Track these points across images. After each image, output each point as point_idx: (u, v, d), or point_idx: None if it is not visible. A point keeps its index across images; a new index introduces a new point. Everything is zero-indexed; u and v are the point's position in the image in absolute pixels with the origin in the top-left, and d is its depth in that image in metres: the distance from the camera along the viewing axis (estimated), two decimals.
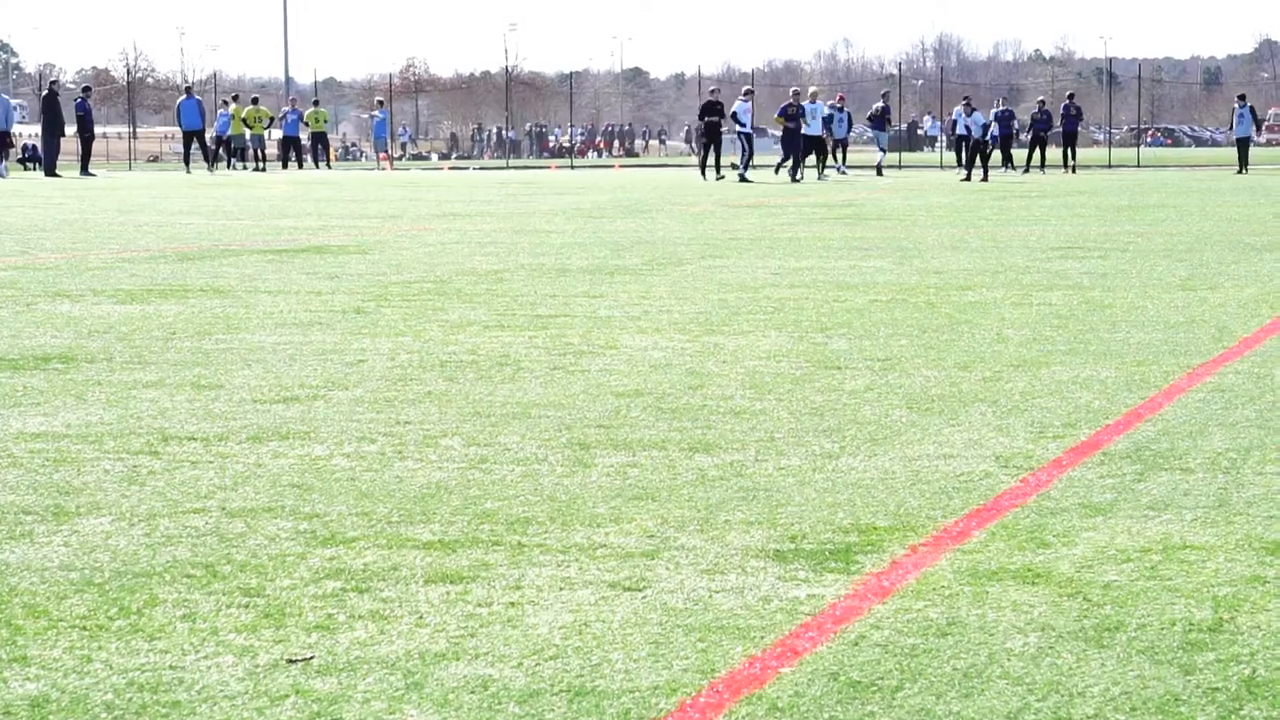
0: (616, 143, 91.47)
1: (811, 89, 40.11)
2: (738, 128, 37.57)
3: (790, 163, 37.08)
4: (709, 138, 37.94)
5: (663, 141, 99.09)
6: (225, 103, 49.53)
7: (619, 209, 23.63)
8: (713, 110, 37.57)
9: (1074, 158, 43.75)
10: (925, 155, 62.92)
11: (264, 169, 46.98)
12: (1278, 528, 4.48)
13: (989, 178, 37.17)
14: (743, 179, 35.81)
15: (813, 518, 4.61)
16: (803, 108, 37.76)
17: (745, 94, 38.32)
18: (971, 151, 38.50)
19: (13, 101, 42.59)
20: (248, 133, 48.50)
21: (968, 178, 36.98)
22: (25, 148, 53.78)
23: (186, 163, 46.38)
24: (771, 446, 5.63)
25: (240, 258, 14.24)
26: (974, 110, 40.19)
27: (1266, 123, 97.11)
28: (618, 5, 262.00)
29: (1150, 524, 4.52)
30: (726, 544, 4.32)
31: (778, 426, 6.00)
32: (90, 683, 3.26)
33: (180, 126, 47.25)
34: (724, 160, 38.44)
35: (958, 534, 4.42)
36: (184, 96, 47.44)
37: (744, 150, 37.13)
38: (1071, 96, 46.57)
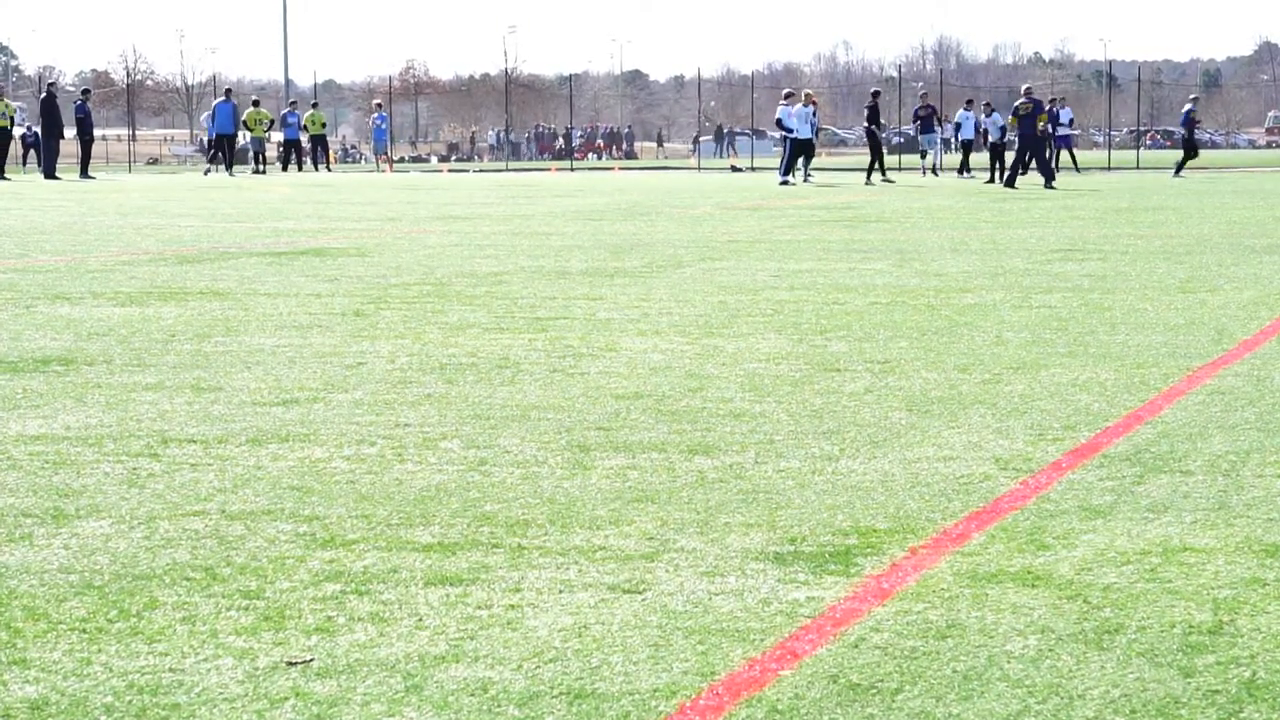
0: (615, 145, 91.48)
1: (805, 91, 39.55)
2: (780, 132, 36.78)
3: (1037, 165, 33.72)
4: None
5: (661, 144, 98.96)
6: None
7: (618, 211, 23.64)
8: (873, 114, 36.62)
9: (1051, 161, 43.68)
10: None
11: (264, 171, 46.99)
12: (1277, 530, 4.48)
13: (997, 179, 37.11)
14: (784, 183, 35.21)
15: (812, 520, 4.61)
16: (1038, 104, 34.26)
17: (786, 96, 37.39)
18: (992, 153, 38.54)
19: (13, 104, 42.62)
20: (248, 135, 48.56)
21: (991, 179, 36.74)
22: (28, 132, 53.75)
23: (227, 165, 46.54)
24: (771, 449, 5.63)
25: (240, 260, 14.24)
26: (994, 111, 40.30)
27: (1267, 125, 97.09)
28: (617, 7, 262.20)
29: (1150, 526, 4.53)
30: (726, 546, 4.32)
31: (777, 429, 6.01)
32: (90, 685, 3.26)
33: (214, 129, 47.38)
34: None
35: (957, 536, 4.42)
36: (221, 99, 47.61)
37: (784, 154, 36.43)
38: (1054, 101, 46.25)
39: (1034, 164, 32.96)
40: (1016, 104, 33.21)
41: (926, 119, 43.87)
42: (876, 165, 37.35)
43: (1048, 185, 31.74)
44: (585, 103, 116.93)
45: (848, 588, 3.92)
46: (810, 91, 39.56)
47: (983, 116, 40.87)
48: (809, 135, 36.47)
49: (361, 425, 6.11)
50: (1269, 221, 19.83)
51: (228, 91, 49.55)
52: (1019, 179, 33.89)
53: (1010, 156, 39.95)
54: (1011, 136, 35.22)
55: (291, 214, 23.10)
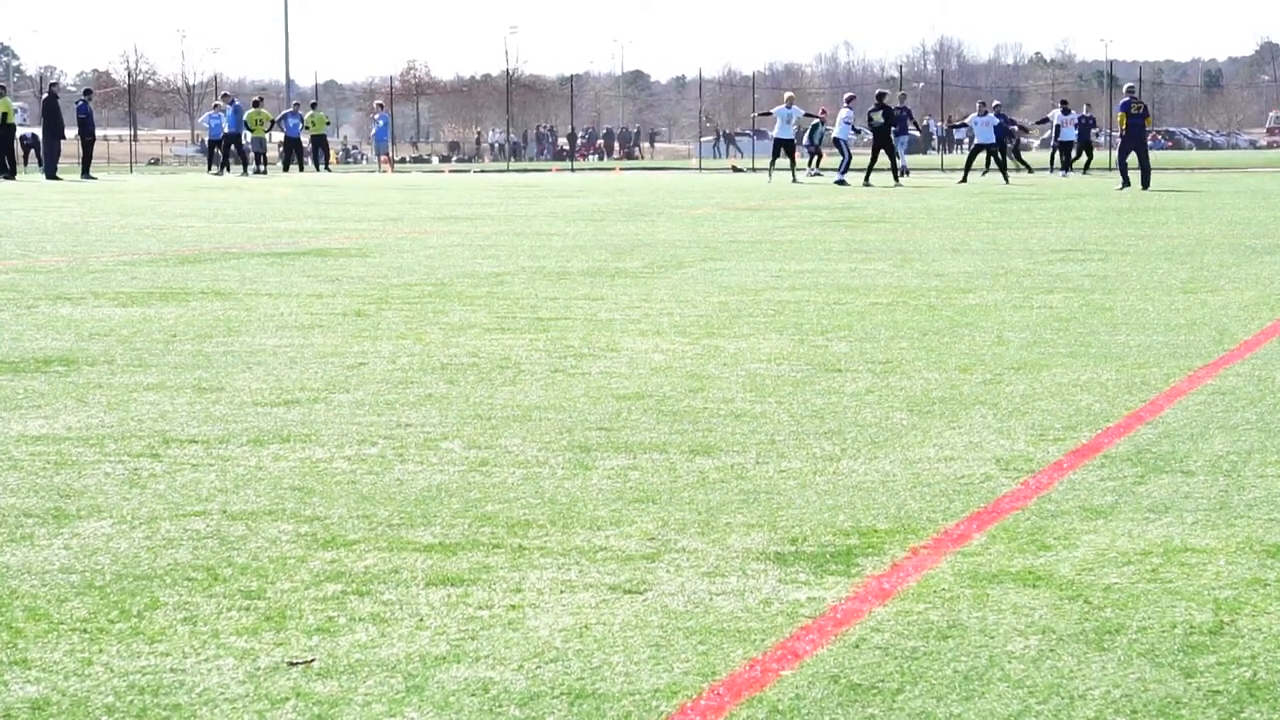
0: (617, 145, 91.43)
1: (787, 94, 40.03)
2: (835, 134, 37.85)
3: (1140, 165, 32.39)
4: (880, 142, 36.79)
5: (652, 144, 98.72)
6: (217, 105, 49.67)
7: (619, 212, 23.64)
8: (885, 114, 36.45)
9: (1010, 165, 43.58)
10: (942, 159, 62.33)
11: (265, 171, 47.01)
12: (1278, 531, 4.48)
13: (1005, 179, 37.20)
14: (840, 183, 35.41)
15: (813, 520, 4.61)
16: (1146, 107, 33.76)
17: (849, 100, 38.42)
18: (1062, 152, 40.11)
19: (14, 104, 42.72)
20: (248, 135, 48.69)
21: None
22: (25, 137, 53.96)
23: (241, 165, 47.33)
24: (772, 449, 5.63)
25: (241, 261, 14.24)
26: (1069, 110, 41.53)
27: (1268, 125, 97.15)
28: (618, 8, 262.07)
29: (1151, 527, 4.53)
30: (727, 546, 4.33)
31: (778, 429, 6.01)
32: (91, 685, 3.26)
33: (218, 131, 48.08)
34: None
35: (958, 536, 4.42)
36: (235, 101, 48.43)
37: (818, 154, 37.20)
38: (1070, 104, 46.11)
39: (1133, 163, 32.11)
40: (1127, 101, 32.66)
41: (901, 120, 44.12)
42: (894, 167, 37.34)
43: (1145, 185, 31.35)
44: (587, 103, 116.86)
45: (849, 588, 3.92)
46: (791, 94, 40.13)
47: (1058, 114, 41.94)
48: (789, 135, 37.36)
49: (363, 425, 6.11)
50: (1270, 222, 19.82)
51: (257, 101, 50.41)
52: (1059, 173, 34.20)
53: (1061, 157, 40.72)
54: (1094, 134, 35.51)
55: (293, 214, 23.10)
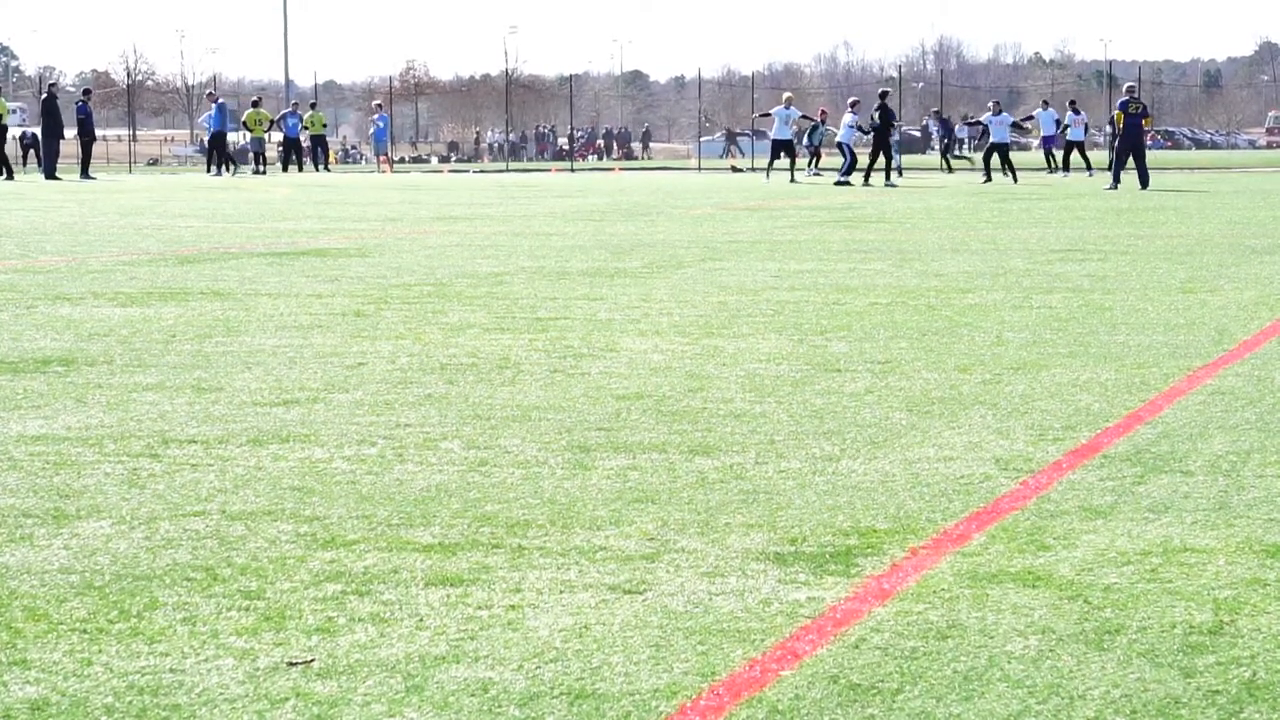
0: (619, 145, 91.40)
1: (785, 95, 40.37)
2: (839, 138, 38.37)
3: (1137, 166, 32.59)
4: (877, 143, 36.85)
5: (645, 145, 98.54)
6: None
7: (619, 212, 23.63)
8: (881, 113, 36.54)
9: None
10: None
11: (264, 172, 47.01)
12: (1278, 531, 4.48)
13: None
14: (841, 183, 35.58)
15: (813, 520, 4.61)
16: (1146, 107, 33.61)
17: (853, 104, 38.91)
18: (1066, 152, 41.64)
19: (12, 105, 42.73)
20: (247, 135, 48.75)
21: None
22: (25, 136, 53.98)
23: (232, 164, 47.59)
24: (771, 449, 5.63)
25: (240, 261, 14.24)
26: (1079, 110, 41.85)
27: (1267, 125, 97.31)
28: (617, 8, 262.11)
29: (1150, 527, 4.53)
30: (727, 547, 4.33)
31: (778, 429, 6.01)
32: (90, 686, 3.26)
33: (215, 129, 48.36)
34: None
35: (958, 537, 4.42)
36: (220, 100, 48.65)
37: (836, 158, 37.57)
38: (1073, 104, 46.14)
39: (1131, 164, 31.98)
40: (1125, 100, 32.52)
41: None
42: (888, 167, 37.41)
43: (1144, 185, 31.32)
44: (586, 103, 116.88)
45: (848, 588, 3.92)
46: (790, 95, 40.54)
47: (1070, 114, 42.21)
48: (786, 136, 37.80)
49: (362, 426, 6.11)
50: (1269, 222, 19.82)
51: (254, 102, 50.45)
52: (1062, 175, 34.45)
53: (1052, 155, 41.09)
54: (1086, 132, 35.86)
55: (292, 214, 23.09)
